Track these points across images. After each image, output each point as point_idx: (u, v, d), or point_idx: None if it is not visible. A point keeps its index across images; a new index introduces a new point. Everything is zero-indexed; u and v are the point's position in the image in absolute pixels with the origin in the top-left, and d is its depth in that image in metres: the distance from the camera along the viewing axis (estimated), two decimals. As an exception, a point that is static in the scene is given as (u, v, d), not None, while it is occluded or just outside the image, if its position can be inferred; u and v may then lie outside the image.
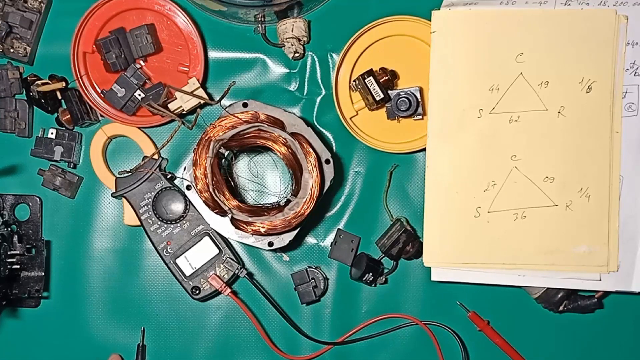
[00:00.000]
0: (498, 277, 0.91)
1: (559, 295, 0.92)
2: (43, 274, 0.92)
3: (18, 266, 0.89)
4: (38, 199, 0.94)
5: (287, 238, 0.88)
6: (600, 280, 0.90)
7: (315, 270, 0.94)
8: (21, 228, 0.94)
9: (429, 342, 0.94)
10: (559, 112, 0.89)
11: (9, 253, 0.87)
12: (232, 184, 0.91)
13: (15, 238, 0.88)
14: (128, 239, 0.96)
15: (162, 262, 0.91)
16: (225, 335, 0.96)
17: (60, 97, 0.93)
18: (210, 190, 0.86)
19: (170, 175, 0.92)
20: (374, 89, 0.90)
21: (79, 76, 0.92)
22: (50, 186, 0.93)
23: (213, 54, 0.96)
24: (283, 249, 0.95)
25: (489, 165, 0.90)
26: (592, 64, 0.89)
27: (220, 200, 0.87)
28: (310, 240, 0.97)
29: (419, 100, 0.91)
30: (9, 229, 0.91)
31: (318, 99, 0.96)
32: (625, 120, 0.89)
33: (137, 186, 0.91)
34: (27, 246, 0.92)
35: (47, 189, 0.94)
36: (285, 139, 0.87)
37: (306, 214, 0.86)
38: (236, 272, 0.90)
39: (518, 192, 0.90)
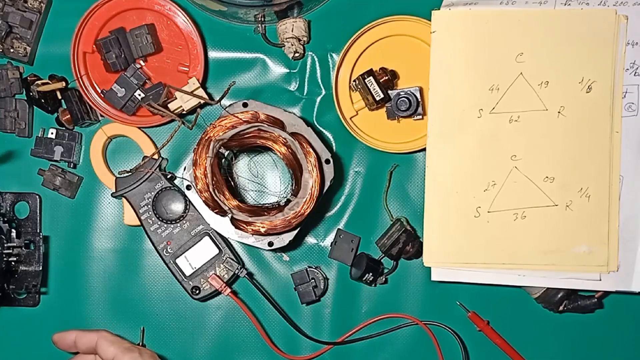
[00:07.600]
0: (498, 277, 0.91)
1: (559, 295, 0.92)
2: (40, 268, 0.92)
3: (15, 258, 0.89)
4: (37, 196, 0.94)
5: (287, 238, 0.88)
6: (600, 280, 0.90)
7: (315, 270, 0.94)
8: (20, 225, 0.93)
9: (429, 342, 0.94)
10: (559, 112, 0.89)
11: (6, 246, 0.87)
12: (232, 184, 0.91)
13: (14, 233, 0.88)
14: (128, 239, 0.96)
15: (162, 262, 0.91)
16: (225, 335, 0.96)
17: (60, 97, 0.93)
18: (210, 190, 0.86)
19: (170, 175, 0.92)
20: (374, 89, 0.90)
21: (79, 76, 0.91)
22: (50, 186, 0.93)
23: (213, 54, 0.96)
24: (283, 249, 0.95)
25: (489, 165, 0.90)
26: (592, 64, 0.89)
27: (220, 200, 0.87)
28: (310, 240, 0.97)
29: (419, 100, 0.91)
30: (8, 224, 0.91)
31: (318, 99, 0.96)
32: (625, 120, 0.89)
33: (137, 186, 0.91)
34: (26, 241, 0.92)
35: (47, 189, 0.94)
36: (285, 139, 0.87)
37: (306, 214, 0.86)
38: (236, 272, 0.90)
39: (518, 192, 0.90)
